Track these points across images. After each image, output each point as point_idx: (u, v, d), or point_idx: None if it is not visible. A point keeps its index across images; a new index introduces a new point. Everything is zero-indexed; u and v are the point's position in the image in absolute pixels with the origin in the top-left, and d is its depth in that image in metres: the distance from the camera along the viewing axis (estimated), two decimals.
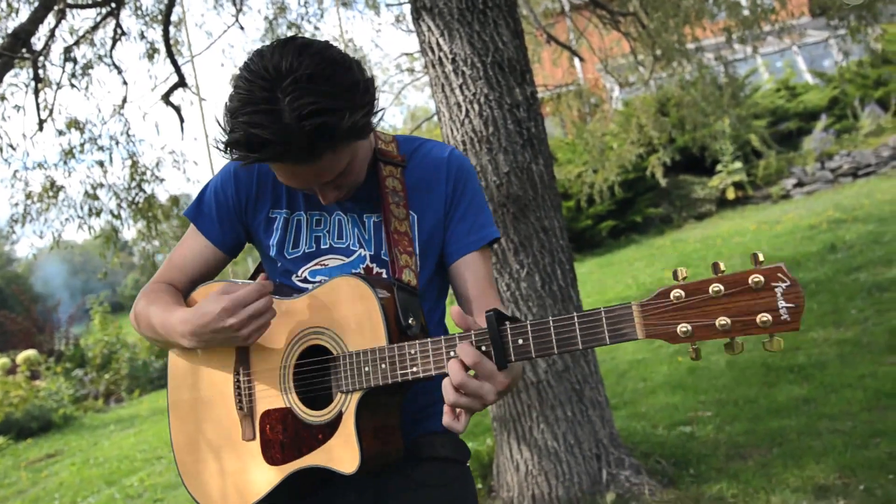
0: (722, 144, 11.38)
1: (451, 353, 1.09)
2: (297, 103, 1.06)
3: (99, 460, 7.45)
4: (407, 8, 3.45)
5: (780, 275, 0.90)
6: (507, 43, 3.25)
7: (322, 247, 1.35)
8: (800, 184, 11.62)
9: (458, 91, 3.25)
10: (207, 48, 6.65)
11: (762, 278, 0.90)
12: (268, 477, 1.26)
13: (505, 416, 3.33)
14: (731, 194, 11.74)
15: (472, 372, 1.07)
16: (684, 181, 12.47)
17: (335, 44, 1.18)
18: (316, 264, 1.35)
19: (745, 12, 6.53)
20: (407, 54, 7.85)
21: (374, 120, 1.20)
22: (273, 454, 1.26)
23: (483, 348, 1.07)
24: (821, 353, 4.68)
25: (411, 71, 8.75)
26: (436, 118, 3.55)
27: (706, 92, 7.84)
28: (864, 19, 6.12)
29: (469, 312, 1.32)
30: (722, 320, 0.91)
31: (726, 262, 8.25)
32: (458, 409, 1.08)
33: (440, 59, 3.27)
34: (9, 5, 4.80)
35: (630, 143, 9.23)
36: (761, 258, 0.91)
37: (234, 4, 5.79)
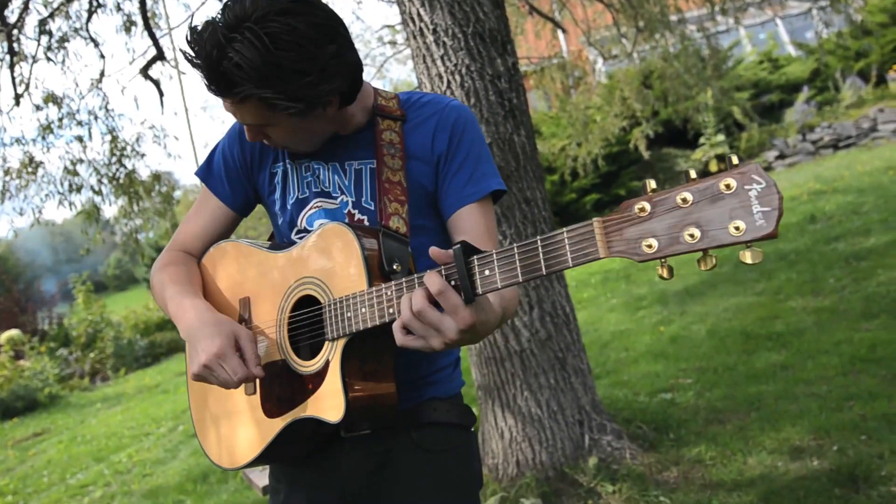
0: (705, 117, 11.42)
1: (452, 282, 1.04)
2: (228, 46, 1.12)
3: (87, 438, 7.46)
4: None
5: (754, 176, 0.79)
6: (488, 13, 3.24)
7: (314, 190, 1.37)
8: (781, 156, 11.71)
9: (439, 62, 3.24)
10: (186, 20, 6.54)
11: (734, 181, 0.79)
12: (266, 430, 1.27)
13: (489, 384, 3.38)
14: (713, 167, 11.80)
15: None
16: (668, 154, 12.53)
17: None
18: (311, 208, 1.37)
19: None
20: (389, 27, 7.78)
21: (305, 107, 1.20)
22: (270, 407, 1.27)
23: (452, 283, 1.03)
24: (799, 321, 4.78)
25: (394, 44, 8.67)
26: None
27: (689, 64, 7.85)
28: None
29: None
30: (690, 231, 0.82)
31: None
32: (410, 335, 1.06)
33: (421, 29, 3.26)
34: None
35: (613, 115, 9.22)
36: (735, 160, 0.81)
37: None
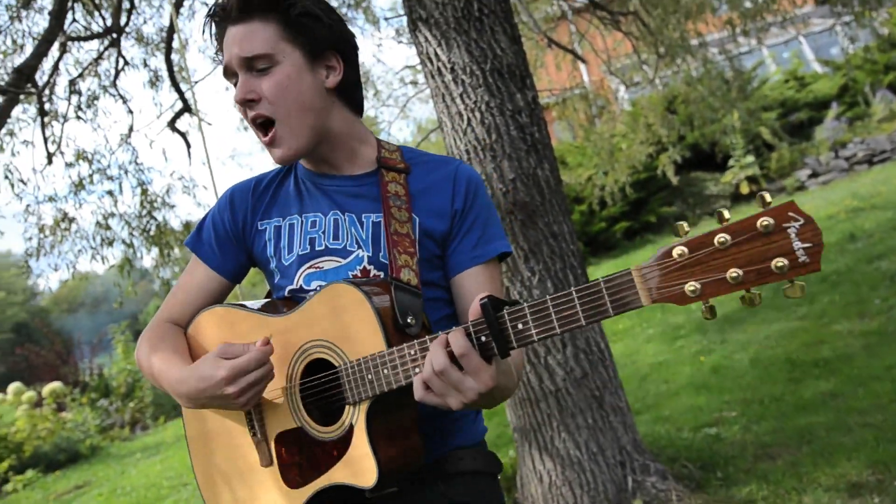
0: (732, 139, 11.27)
1: (482, 338, 1.02)
2: None
3: (126, 489, 7.46)
4: (406, 20, 3.44)
5: (791, 213, 0.81)
6: (506, 49, 3.23)
7: (317, 248, 1.31)
8: (814, 174, 11.46)
9: (458, 100, 3.22)
10: (211, 73, 6.70)
11: (771, 220, 0.81)
12: (290, 502, 1.22)
13: (525, 426, 3.28)
14: (744, 189, 11.60)
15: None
16: (696, 178, 12.36)
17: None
18: (310, 267, 1.31)
19: (747, 4, 6.46)
20: (410, 67, 7.85)
21: (316, 45, 1.27)
22: (292, 477, 1.22)
23: (483, 338, 1.00)
24: (846, 346, 4.58)
25: (415, 84, 8.74)
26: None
27: (713, 87, 7.76)
28: (869, 3, 6.03)
29: None
30: (733, 272, 0.83)
31: None
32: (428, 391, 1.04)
33: (439, 69, 3.25)
34: (14, 42, 4.86)
35: (639, 142, 9.15)
36: (768, 199, 0.82)
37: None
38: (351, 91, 1.34)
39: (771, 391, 4.26)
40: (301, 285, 1.31)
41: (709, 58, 7.74)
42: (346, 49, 1.32)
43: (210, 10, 1.30)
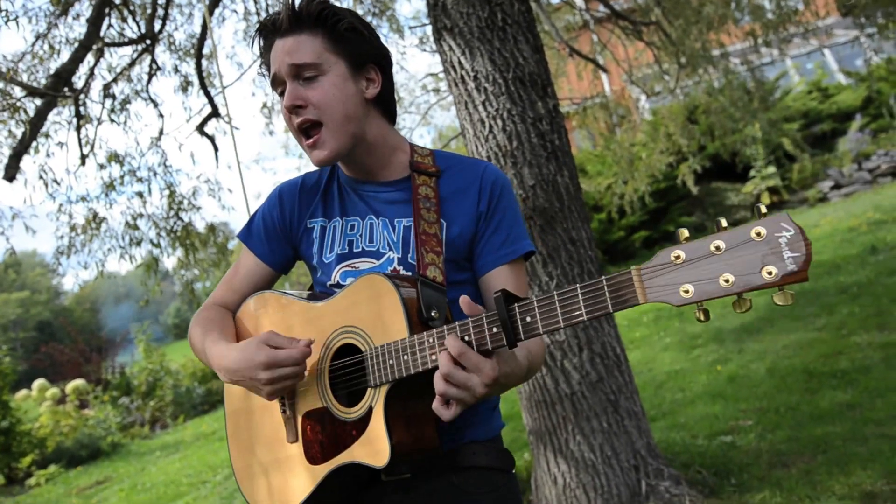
0: (753, 150, 11.22)
1: (465, 338, 1.11)
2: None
3: (146, 486, 7.60)
4: (429, 29, 3.52)
5: (783, 224, 0.86)
6: (528, 58, 3.30)
7: (354, 250, 1.42)
8: (837, 186, 11.38)
9: (481, 108, 3.30)
10: (238, 78, 6.85)
11: (764, 229, 0.86)
12: (310, 476, 1.29)
13: (540, 429, 3.33)
14: (766, 199, 11.55)
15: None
16: (717, 188, 12.32)
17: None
18: (347, 266, 1.41)
19: (770, 15, 6.47)
20: (432, 75, 7.94)
21: (359, 58, 1.38)
22: (313, 454, 1.30)
23: (494, 329, 1.08)
24: (864, 358, 4.57)
25: (437, 91, 8.85)
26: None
27: (734, 97, 7.76)
28: (893, 16, 6.02)
29: None
30: (725, 277, 0.88)
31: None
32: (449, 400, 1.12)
33: (462, 77, 3.33)
34: (51, 47, 5.02)
35: (659, 152, 9.15)
36: (763, 210, 0.88)
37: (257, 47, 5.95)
38: (387, 102, 1.44)
39: (787, 401, 4.27)
40: (338, 281, 1.42)
41: (730, 68, 7.74)
42: (384, 63, 1.42)
43: (261, 24, 1.41)
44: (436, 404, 1.13)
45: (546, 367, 3.24)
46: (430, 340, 1.16)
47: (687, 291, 0.91)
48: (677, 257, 0.92)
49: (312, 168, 1.51)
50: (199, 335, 1.44)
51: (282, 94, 1.38)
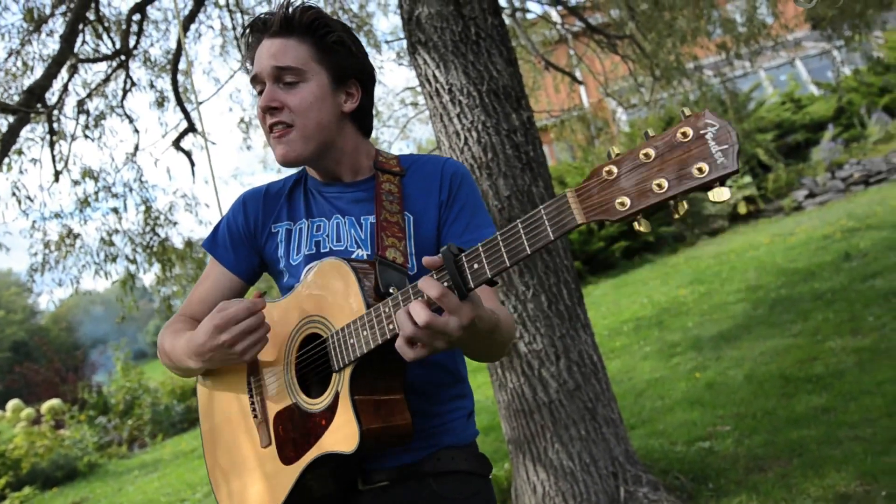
0: None
1: (445, 283, 1.08)
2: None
3: None
4: (405, 44, 3.55)
5: (707, 121, 0.84)
6: (502, 71, 3.34)
7: (322, 250, 1.42)
8: (811, 195, 11.57)
9: (455, 120, 3.33)
10: (215, 93, 6.83)
11: (689, 129, 0.85)
12: (285, 477, 1.26)
13: (519, 438, 3.34)
14: (742, 209, 11.71)
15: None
16: (695, 198, 12.40)
17: None
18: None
19: (741, 29, 6.61)
20: (410, 88, 7.99)
21: (341, 72, 1.39)
22: (287, 453, 1.27)
23: (445, 283, 1.07)
24: (839, 362, 4.64)
25: (415, 105, 8.89)
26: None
27: (708, 108, 7.89)
28: (858, 28, 6.17)
29: None
30: (657, 182, 0.86)
31: (741, 276, 8.11)
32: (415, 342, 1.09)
33: (437, 90, 3.36)
34: (24, 63, 5.00)
35: None
36: (687, 112, 0.86)
37: (240, 50, 5.96)
38: (363, 117, 1.46)
39: (764, 406, 4.31)
40: None
41: (704, 80, 7.88)
42: (366, 80, 1.45)
43: (253, 21, 1.43)
44: (399, 342, 1.10)
45: (524, 376, 3.26)
46: (386, 310, 1.14)
47: (622, 204, 0.89)
48: (609, 172, 0.91)
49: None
50: (169, 343, 1.43)
51: (260, 93, 1.39)
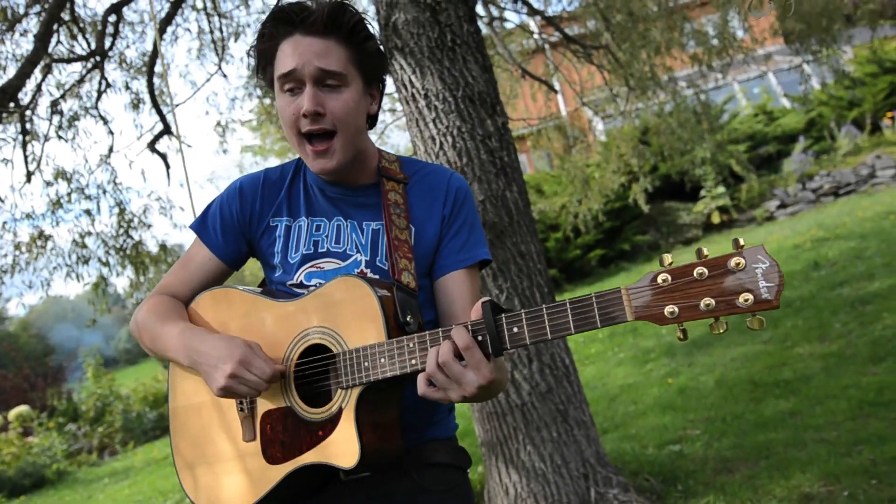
0: (702, 170, 11.57)
1: (479, 337, 1.11)
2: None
3: None
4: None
5: (759, 256, 0.95)
6: (477, 77, 3.38)
7: (319, 250, 1.41)
8: (783, 205, 11.80)
9: (431, 125, 3.36)
10: (192, 96, 6.80)
11: (743, 260, 0.95)
12: (269, 475, 1.28)
13: (492, 440, 3.36)
14: (716, 219, 11.90)
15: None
16: (670, 208, 12.64)
17: None
18: (312, 266, 1.41)
19: (714, 42, 6.74)
20: (387, 94, 8.01)
21: (371, 73, 1.39)
22: (273, 453, 1.28)
23: (479, 338, 1.10)
24: (806, 367, 4.74)
25: (393, 111, 8.92)
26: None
27: (682, 119, 8.02)
28: (825, 42, 6.33)
29: None
30: (706, 301, 0.96)
31: None
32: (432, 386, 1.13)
33: (413, 95, 3.39)
34: None
35: (612, 172, 9.37)
36: (742, 242, 0.96)
37: (217, 54, 5.95)
38: (376, 117, 1.48)
39: (733, 410, 4.39)
40: (301, 281, 1.41)
41: (678, 91, 8.00)
42: (384, 82, 1.46)
43: (283, 10, 1.34)
44: (421, 384, 1.13)
45: None
46: (410, 345, 1.17)
47: (672, 313, 0.99)
48: (664, 280, 1.00)
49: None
50: (153, 324, 1.40)
51: (290, 91, 1.33)
